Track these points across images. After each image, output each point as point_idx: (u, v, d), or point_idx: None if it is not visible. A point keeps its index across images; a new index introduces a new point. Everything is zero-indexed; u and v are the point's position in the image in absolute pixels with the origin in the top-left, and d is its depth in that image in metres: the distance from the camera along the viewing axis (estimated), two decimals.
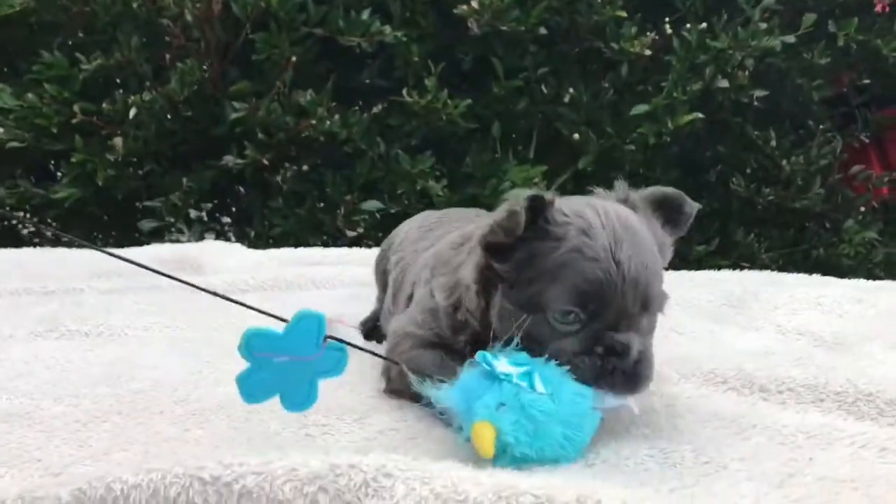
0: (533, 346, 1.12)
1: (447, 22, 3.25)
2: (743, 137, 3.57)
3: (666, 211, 1.26)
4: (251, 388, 1.09)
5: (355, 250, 2.49)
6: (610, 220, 1.15)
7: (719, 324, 1.72)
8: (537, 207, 1.15)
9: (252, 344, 1.07)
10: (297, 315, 1.07)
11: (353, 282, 2.11)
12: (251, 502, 0.91)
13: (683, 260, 3.16)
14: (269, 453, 0.97)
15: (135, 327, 1.75)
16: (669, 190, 1.28)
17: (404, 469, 0.93)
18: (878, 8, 3.48)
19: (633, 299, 1.12)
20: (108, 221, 3.35)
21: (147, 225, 3.13)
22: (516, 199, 1.16)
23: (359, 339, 1.58)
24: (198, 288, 1.21)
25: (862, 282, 2.03)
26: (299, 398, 1.12)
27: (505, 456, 1.05)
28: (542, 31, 3.23)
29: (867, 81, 3.78)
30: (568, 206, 1.18)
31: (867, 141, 3.72)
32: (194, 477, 0.94)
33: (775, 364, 1.38)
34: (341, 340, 1.11)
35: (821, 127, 3.56)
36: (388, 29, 3.11)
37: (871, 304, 1.77)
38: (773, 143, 3.49)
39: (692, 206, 1.27)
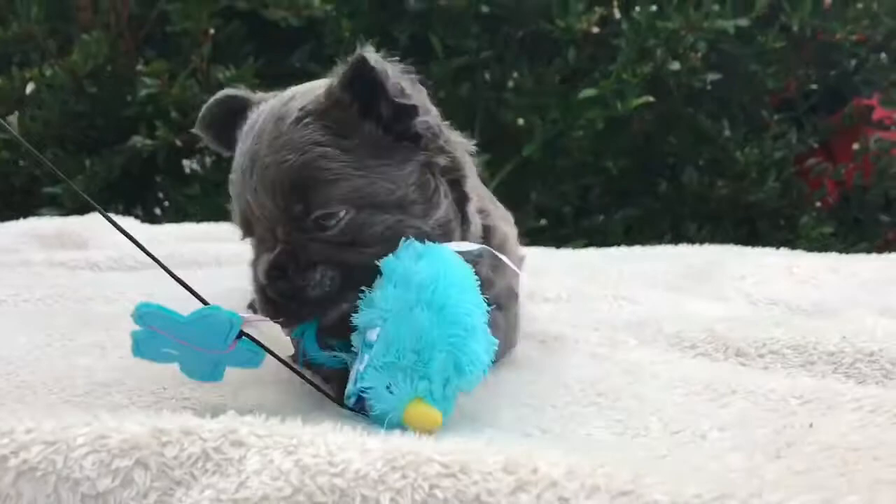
0: None
1: None
2: (695, 128, 3.38)
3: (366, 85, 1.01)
4: (145, 347, 0.91)
5: None
6: (266, 112, 1.03)
7: (680, 293, 1.48)
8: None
9: (145, 320, 0.89)
10: (202, 312, 0.90)
11: None
12: (34, 483, 0.63)
13: None
14: (71, 417, 0.69)
15: None
16: (353, 58, 1.02)
17: (262, 435, 0.67)
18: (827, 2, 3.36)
19: (262, 208, 0.99)
20: (1, 209, 3.01)
21: (47, 214, 2.80)
22: None
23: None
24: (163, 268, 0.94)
25: (834, 254, 1.82)
26: (199, 373, 0.94)
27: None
28: (485, 9, 3.01)
29: (814, 86, 3.65)
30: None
31: (815, 147, 3.58)
32: None
33: (751, 325, 1.14)
34: (257, 343, 0.92)
35: (775, 118, 3.40)
36: (316, 1, 2.85)
37: (851, 274, 1.57)
38: (727, 133, 3.31)
39: (377, 70, 0.99)
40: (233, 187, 1.03)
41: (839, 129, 3.66)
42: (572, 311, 1.36)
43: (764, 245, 3.41)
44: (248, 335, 0.92)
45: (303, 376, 0.93)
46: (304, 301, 0.96)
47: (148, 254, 0.96)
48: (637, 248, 2.02)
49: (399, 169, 1.02)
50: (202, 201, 2.89)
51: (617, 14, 3.12)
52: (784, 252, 1.81)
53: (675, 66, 3.01)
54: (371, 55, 0.99)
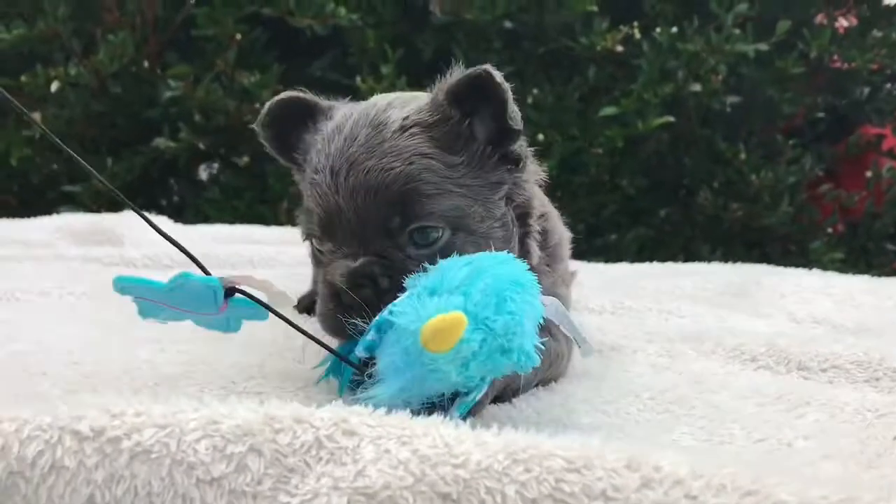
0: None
1: (407, 9, 3.03)
2: (710, 150, 3.41)
3: (482, 101, 1.00)
4: (147, 311, 0.89)
5: (298, 230, 2.20)
6: (357, 117, 0.99)
7: (723, 309, 1.49)
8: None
9: (128, 292, 0.88)
10: (175, 280, 0.88)
11: (294, 262, 1.83)
12: (148, 465, 0.63)
13: None
14: (180, 402, 0.69)
15: (29, 291, 1.44)
16: (476, 71, 1.00)
17: (373, 425, 0.67)
18: (842, 30, 3.40)
19: (357, 214, 0.95)
20: (18, 207, 3.00)
21: (66, 212, 2.80)
22: None
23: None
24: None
25: (866, 276, 1.83)
26: (216, 325, 0.91)
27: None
28: (508, 24, 3.03)
29: (821, 115, 3.68)
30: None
31: (820, 174, 3.60)
32: (66, 430, 0.66)
33: (811, 341, 1.15)
34: (252, 298, 0.89)
35: (790, 142, 3.43)
36: (342, 10, 2.87)
37: (887, 297, 1.57)
38: (743, 156, 3.33)
39: (504, 88, 0.98)
40: (317, 188, 0.97)
41: (844, 157, 3.70)
42: (621, 323, 1.36)
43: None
44: (242, 291, 0.89)
45: (302, 331, 0.90)
46: None
47: (185, 251, 0.94)
48: (669, 264, 2.04)
49: (492, 194, 1.00)
50: (222, 205, 2.89)
51: (637, 34, 3.15)
52: (816, 272, 1.82)
53: (697, 87, 3.04)
54: (496, 71, 0.97)
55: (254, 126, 1.09)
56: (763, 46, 3.11)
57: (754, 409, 0.94)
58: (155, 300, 0.89)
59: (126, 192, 3.04)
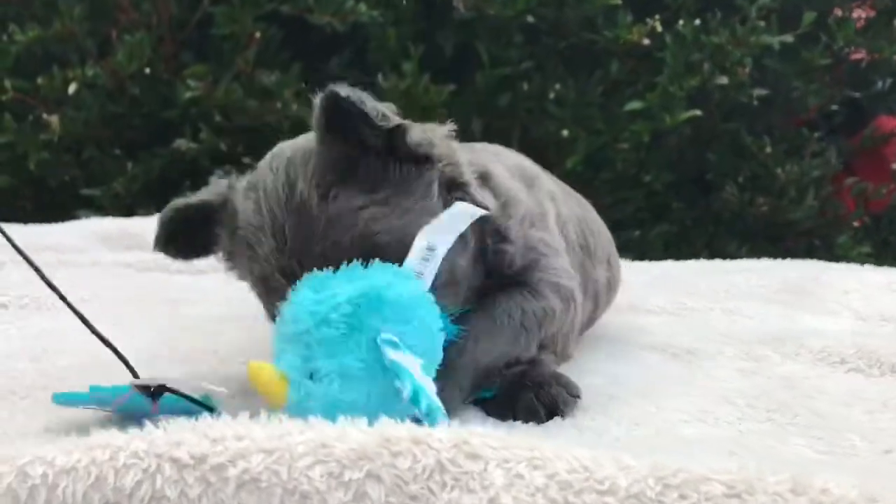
0: None
1: (427, 5, 2.98)
2: (735, 143, 3.36)
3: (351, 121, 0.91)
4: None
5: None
6: (269, 207, 0.93)
7: (786, 307, 1.44)
8: None
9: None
10: (89, 394, 0.84)
11: None
12: (257, 496, 0.58)
13: None
14: (283, 424, 0.64)
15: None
16: (323, 95, 0.91)
17: (497, 447, 0.61)
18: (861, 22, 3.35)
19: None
20: (35, 212, 2.94)
21: (84, 216, 2.74)
22: None
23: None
24: None
25: None
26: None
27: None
28: (530, 19, 2.98)
29: (835, 108, 3.63)
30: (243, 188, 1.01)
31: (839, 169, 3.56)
32: (164, 457, 0.61)
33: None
34: (177, 392, 0.85)
35: (815, 135, 3.38)
36: (363, 7, 2.81)
37: None
38: (769, 149, 3.28)
39: (350, 99, 0.89)
40: (268, 294, 0.93)
41: (860, 149, 3.65)
42: (685, 324, 1.31)
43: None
44: (169, 389, 0.85)
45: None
46: None
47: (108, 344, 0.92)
48: (717, 261, 2.00)
49: (427, 198, 0.94)
50: None
51: (658, 27, 3.10)
52: (868, 268, 1.76)
53: (723, 80, 2.99)
54: (342, 88, 0.89)
55: (215, 175, 1.06)
56: (788, 38, 3.07)
57: (863, 416, 0.89)
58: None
59: (145, 195, 2.99)
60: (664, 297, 1.48)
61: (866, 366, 1.06)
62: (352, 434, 0.62)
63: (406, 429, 0.63)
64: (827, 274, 1.62)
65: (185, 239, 1.05)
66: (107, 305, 1.37)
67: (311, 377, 0.78)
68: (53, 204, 2.95)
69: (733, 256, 3.28)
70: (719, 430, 0.86)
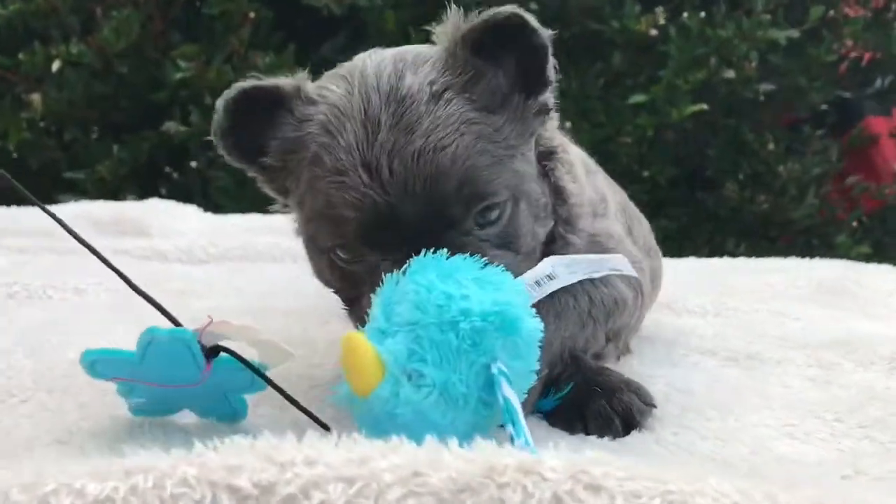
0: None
1: None
2: (737, 139, 3.30)
3: (506, 48, 0.87)
4: (137, 409, 0.78)
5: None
6: (364, 91, 0.83)
7: (830, 309, 1.36)
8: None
9: (99, 371, 0.75)
10: (141, 339, 0.74)
11: None
12: None
13: None
14: (359, 445, 0.54)
15: (62, 289, 1.29)
16: (503, 12, 0.87)
17: (621, 478, 0.52)
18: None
19: (415, 209, 0.80)
20: (13, 195, 2.80)
21: (66, 201, 2.61)
22: None
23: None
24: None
25: None
26: (216, 412, 0.79)
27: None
28: (533, 6, 2.89)
29: (825, 107, 3.59)
30: (320, 82, 0.88)
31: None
32: (220, 485, 0.51)
33: None
34: (239, 358, 0.75)
35: (817, 132, 3.33)
36: None
37: None
38: (771, 146, 3.22)
39: (542, 35, 0.86)
40: (348, 191, 0.80)
41: (848, 148, 3.62)
42: (733, 326, 1.23)
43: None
44: (226, 350, 0.76)
45: (294, 401, 0.77)
46: None
47: (147, 297, 0.81)
48: (741, 259, 1.93)
49: (529, 148, 0.89)
50: (234, 193, 2.72)
51: (661, 20, 3.03)
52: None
53: (730, 74, 2.93)
54: (528, 14, 0.85)
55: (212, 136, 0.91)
56: (794, 33, 3.01)
57: None
58: (131, 378, 0.77)
59: (131, 180, 2.86)
60: (701, 296, 1.40)
61: None
62: (448, 460, 0.52)
63: (509, 454, 0.54)
64: (863, 275, 1.55)
65: (242, 133, 0.90)
66: (101, 297, 1.26)
67: (409, 378, 0.67)
68: (34, 187, 2.79)
69: (732, 254, 3.22)
70: (813, 447, 0.78)
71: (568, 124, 2.94)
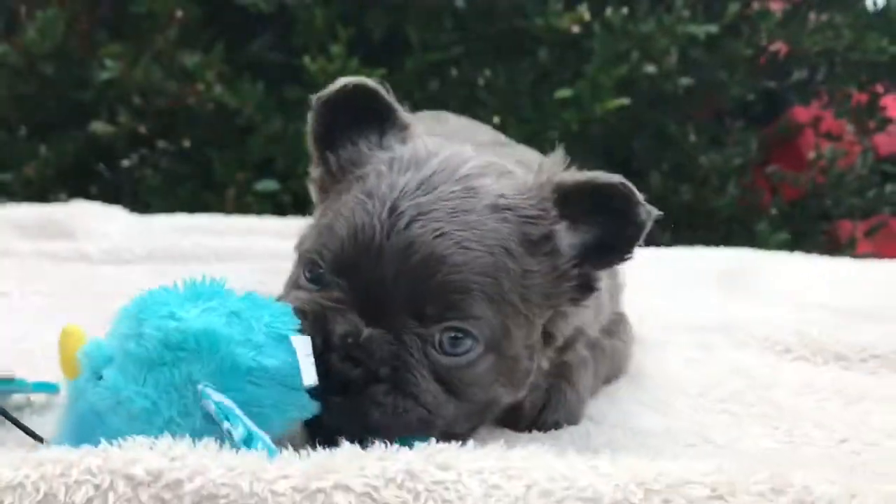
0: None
1: None
2: (660, 132, 3.40)
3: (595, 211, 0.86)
4: None
5: (268, 220, 2.06)
6: (445, 165, 0.84)
7: (720, 294, 1.45)
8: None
9: None
10: None
11: (267, 254, 1.71)
12: None
13: None
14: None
15: None
16: (609, 180, 0.88)
17: (467, 459, 0.58)
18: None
19: (393, 273, 0.77)
20: None
21: None
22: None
23: None
24: None
25: (846, 260, 1.82)
26: None
27: None
28: (460, 3, 2.95)
29: (751, 98, 3.71)
30: (420, 120, 0.93)
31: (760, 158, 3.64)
32: (118, 473, 0.56)
33: (838, 329, 1.12)
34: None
35: (736, 125, 3.45)
36: None
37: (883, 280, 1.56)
38: (693, 138, 3.33)
39: (645, 213, 0.87)
40: (360, 216, 0.79)
41: (773, 139, 3.75)
42: (631, 313, 1.31)
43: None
44: None
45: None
46: (362, 412, 0.75)
47: None
48: (650, 249, 1.99)
49: (541, 316, 0.85)
50: (163, 192, 2.73)
51: (586, 16, 3.11)
52: (798, 256, 1.80)
53: (651, 69, 3.02)
54: (633, 188, 0.84)
55: (315, 97, 0.89)
56: (713, 29, 3.11)
57: (814, 404, 0.90)
58: None
59: (57, 180, 2.86)
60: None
61: (810, 354, 1.07)
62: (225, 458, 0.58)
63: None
64: (759, 262, 1.64)
65: (337, 120, 0.90)
66: (27, 299, 1.28)
67: (99, 378, 0.70)
68: None
69: (656, 244, 3.33)
70: (676, 420, 0.86)
71: (496, 120, 3.01)
